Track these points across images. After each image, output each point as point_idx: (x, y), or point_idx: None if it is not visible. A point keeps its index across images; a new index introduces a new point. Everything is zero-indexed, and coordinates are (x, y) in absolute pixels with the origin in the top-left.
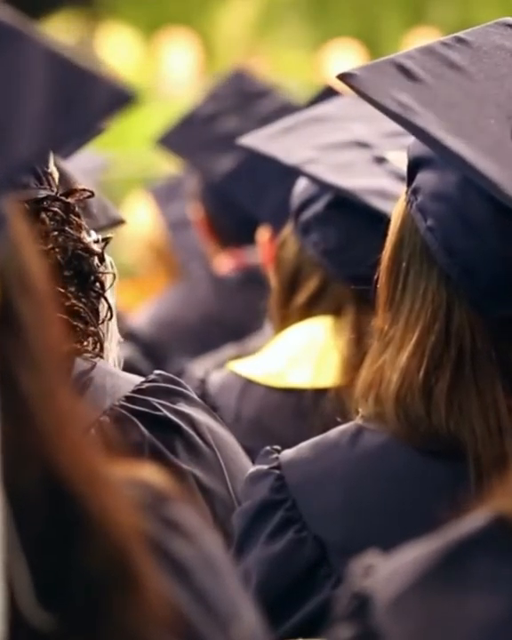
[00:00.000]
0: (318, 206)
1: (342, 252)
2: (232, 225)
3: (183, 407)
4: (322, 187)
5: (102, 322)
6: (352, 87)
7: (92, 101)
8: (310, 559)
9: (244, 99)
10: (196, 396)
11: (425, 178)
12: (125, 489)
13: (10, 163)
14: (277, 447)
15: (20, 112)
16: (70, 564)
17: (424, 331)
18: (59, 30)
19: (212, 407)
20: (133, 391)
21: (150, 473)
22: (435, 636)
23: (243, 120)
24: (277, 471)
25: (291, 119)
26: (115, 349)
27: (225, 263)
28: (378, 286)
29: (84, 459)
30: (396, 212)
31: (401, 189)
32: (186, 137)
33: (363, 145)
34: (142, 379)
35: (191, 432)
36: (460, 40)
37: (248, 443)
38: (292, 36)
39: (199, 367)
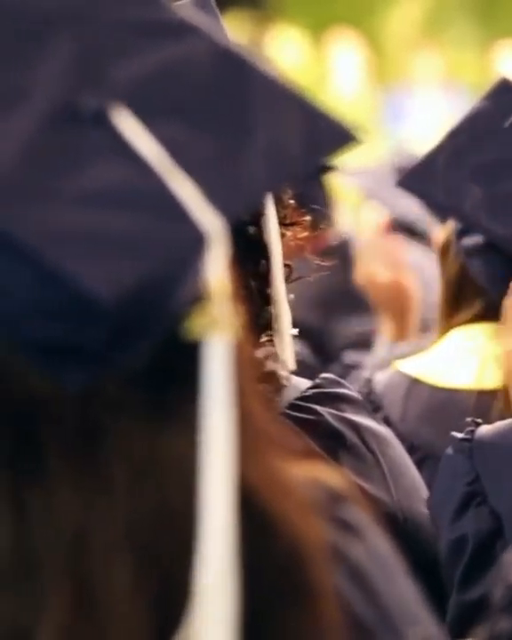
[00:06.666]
0: (480, 237)
1: (506, 282)
2: None
3: (348, 413)
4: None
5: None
6: None
7: (317, 141)
8: (488, 532)
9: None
10: (361, 399)
11: None
12: (303, 489)
13: (237, 198)
14: (479, 420)
15: (247, 148)
16: (248, 571)
17: None
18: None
19: (377, 405)
20: (298, 398)
21: (326, 473)
22: None
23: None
24: (469, 444)
25: (455, 128)
26: (289, 348)
27: None
28: None
29: (267, 464)
30: None
31: None
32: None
33: None
34: (309, 383)
35: (355, 440)
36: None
37: (414, 440)
38: (461, 35)
39: (366, 365)
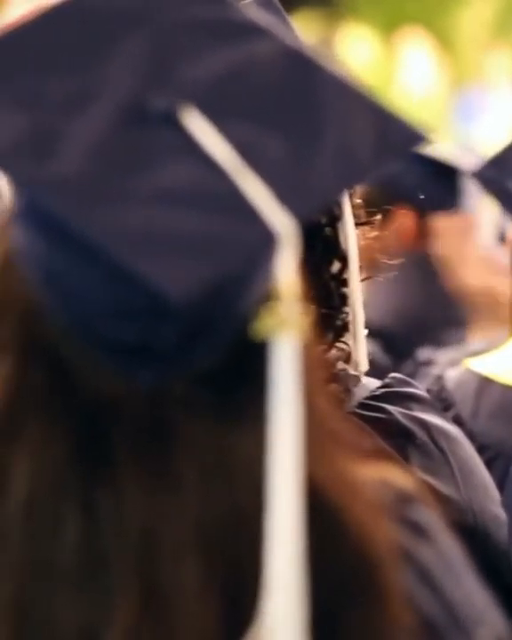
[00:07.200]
0: None
1: None
2: None
3: (417, 412)
4: None
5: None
6: None
7: (387, 141)
8: None
9: None
10: (429, 399)
11: None
12: (371, 490)
13: (307, 199)
14: None
15: (317, 149)
16: (317, 571)
17: None
18: (298, 30)
19: (449, 402)
20: (367, 397)
21: (394, 473)
22: None
23: None
24: None
25: None
26: (363, 350)
27: None
28: None
29: (335, 464)
30: None
31: None
32: None
33: None
34: (378, 382)
35: (425, 438)
36: None
37: (485, 440)
38: None
39: (438, 362)
